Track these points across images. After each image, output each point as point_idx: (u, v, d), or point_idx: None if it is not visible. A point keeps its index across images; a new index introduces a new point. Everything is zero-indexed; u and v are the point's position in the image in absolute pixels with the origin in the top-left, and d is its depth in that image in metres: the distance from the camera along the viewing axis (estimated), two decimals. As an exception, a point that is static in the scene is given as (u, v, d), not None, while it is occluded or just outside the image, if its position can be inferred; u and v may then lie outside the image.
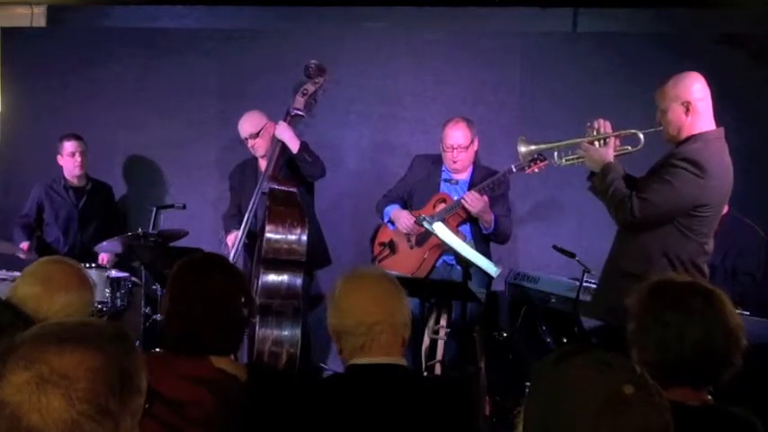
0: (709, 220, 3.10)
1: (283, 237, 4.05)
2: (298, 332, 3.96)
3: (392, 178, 4.77)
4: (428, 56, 5.31)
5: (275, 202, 4.15)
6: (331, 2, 5.44)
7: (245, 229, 4.42)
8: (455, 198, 4.35)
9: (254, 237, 4.47)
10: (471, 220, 4.34)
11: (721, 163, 3.10)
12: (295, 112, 4.49)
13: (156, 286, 4.59)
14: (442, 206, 4.35)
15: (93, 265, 4.68)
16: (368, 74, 5.33)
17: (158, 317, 4.47)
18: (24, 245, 4.80)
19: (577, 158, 3.37)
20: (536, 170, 4.15)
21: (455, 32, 5.38)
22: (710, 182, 3.04)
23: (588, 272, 4.03)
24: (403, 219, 4.39)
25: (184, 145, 5.47)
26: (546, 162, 4.03)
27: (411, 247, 4.43)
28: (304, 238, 4.06)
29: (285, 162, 4.52)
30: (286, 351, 3.91)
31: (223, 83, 5.48)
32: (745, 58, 4.93)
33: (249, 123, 4.62)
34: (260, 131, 4.59)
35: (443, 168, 4.46)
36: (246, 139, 4.62)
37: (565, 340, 3.83)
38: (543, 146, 3.57)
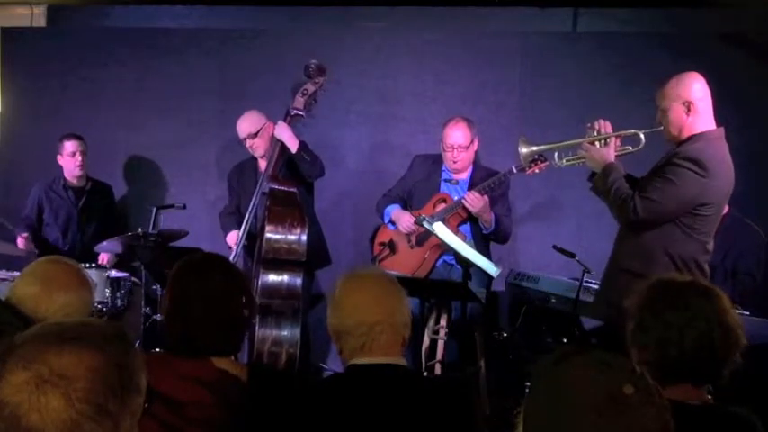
0: (711, 219, 3.12)
1: (283, 237, 4.05)
2: (297, 332, 3.95)
3: (392, 178, 4.77)
4: (428, 56, 5.31)
5: (275, 202, 4.15)
6: (331, 2, 5.44)
7: (245, 229, 4.42)
8: (455, 198, 4.35)
9: (253, 237, 4.47)
10: (471, 220, 4.34)
11: (723, 162, 3.12)
12: (295, 112, 4.48)
13: (156, 286, 4.59)
14: (442, 206, 4.35)
15: (93, 265, 4.68)
16: (368, 74, 5.33)
17: (158, 317, 4.47)
18: (23, 234, 4.78)
19: (578, 159, 3.38)
20: (536, 171, 4.14)
21: (455, 32, 5.38)
22: (713, 181, 3.05)
23: (588, 272, 4.03)
24: (404, 220, 4.39)
25: (184, 145, 5.47)
26: (546, 163, 4.03)
27: (411, 247, 4.43)
28: (304, 237, 4.06)
29: (285, 162, 4.52)
30: (285, 351, 3.91)
31: (223, 83, 5.48)
32: (745, 58, 4.93)
33: (248, 123, 4.62)
34: (259, 131, 4.59)
35: (443, 168, 4.46)
36: (245, 139, 4.62)
37: (565, 340, 3.83)
38: (544, 147, 3.57)
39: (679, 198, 3.05)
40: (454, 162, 4.36)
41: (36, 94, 5.58)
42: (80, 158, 4.99)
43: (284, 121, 4.49)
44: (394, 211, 4.49)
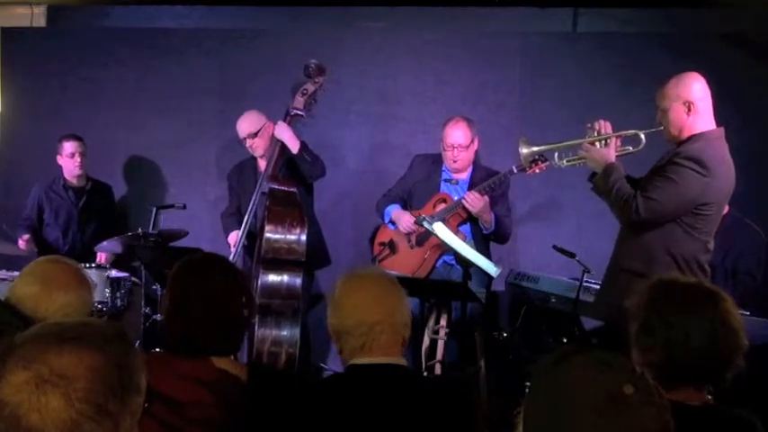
0: (712, 218, 3.13)
1: (283, 237, 4.04)
2: (297, 332, 3.95)
3: (392, 178, 4.77)
4: (428, 56, 5.31)
5: (275, 202, 4.15)
6: (331, 2, 5.44)
7: (245, 229, 4.42)
8: (455, 198, 4.35)
9: (253, 237, 4.47)
10: (471, 220, 4.34)
11: (724, 161, 3.13)
12: (295, 111, 4.48)
13: (156, 286, 4.59)
14: (442, 206, 4.35)
15: (93, 264, 4.68)
16: (368, 74, 5.33)
17: (158, 317, 4.47)
18: (25, 236, 4.79)
19: (578, 159, 3.38)
20: (537, 171, 4.14)
21: (455, 32, 5.38)
22: (714, 180, 3.06)
23: (588, 272, 4.03)
24: (404, 220, 4.39)
25: (184, 145, 5.47)
26: (547, 163, 4.03)
27: (411, 247, 4.43)
28: (303, 237, 4.06)
29: (285, 162, 4.52)
30: (285, 351, 3.91)
31: (223, 83, 5.47)
32: (745, 58, 4.93)
33: (248, 123, 4.62)
34: (259, 131, 4.58)
35: (443, 168, 4.46)
36: (245, 138, 4.62)
37: (565, 340, 3.83)
38: (544, 147, 3.57)
39: (681, 198, 3.06)
40: (454, 162, 4.36)
41: (36, 94, 5.58)
42: (79, 159, 4.99)
43: (284, 120, 4.49)
44: (394, 212, 4.49)
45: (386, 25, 5.49)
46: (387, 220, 4.54)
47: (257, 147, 4.60)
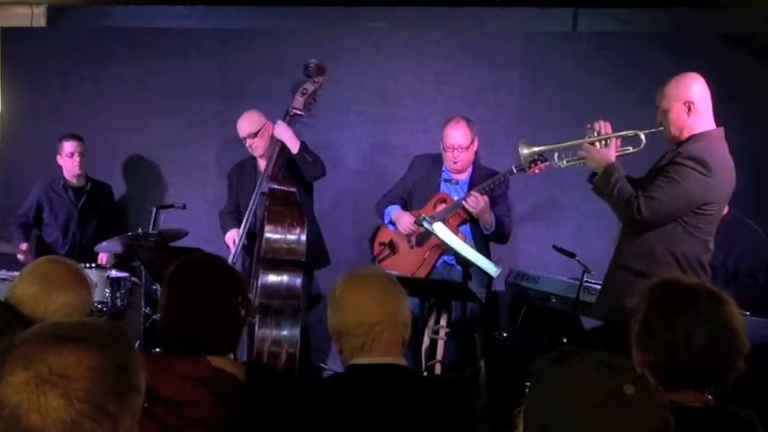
0: (713, 218, 3.14)
1: (283, 237, 4.04)
2: (297, 332, 3.95)
3: (392, 178, 4.77)
4: (428, 56, 5.31)
5: (275, 202, 4.15)
6: (331, 2, 5.44)
7: (244, 228, 4.41)
8: (455, 198, 4.35)
9: (253, 237, 4.47)
10: (472, 220, 4.34)
11: (725, 161, 3.14)
12: (294, 111, 4.48)
13: (156, 286, 4.59)
14: (442, 206, 4.35)
15: (93, 264, 4.68)
16: (368, 74, 5.33)
17: (158, 317, 4.47)
18: (23, 245, 4.80)
19: (578, 159, 3.38)
20: (537, 171, 4.14)
21: (455, 32, 5.37)
22: (716, 180, 3.07)
23: (588, 272, 4.03)
24: (404, 221, 4.39)
25: (184, 145, 5.47)
26: (547, 163, 4.03)
27: (411, 247, 4.43)
28: (303, 237, 4.06)
29: (284, 162, 4.52)
30: (285, 351, 3.91)
31: (223, 83, 5.48)
32: (745, 58, 4.93)
33: (248, 123, 4.62)
34: (259, 131, 4.58)
35: (443, 168, 4.46)
36: (245, 138, 4.62)
37: (565, 340, 3.82)
38: (544, 147, 3.57)
39: (683, 197, 3.06)
40: (454, 162, 4.36)
41: (36, 94, 5.58)
42: (78, 159, 4.99)
43: (284, 120, 4.49)
44: (394, 212, 4.49)
45: (386, 25, 5.49)
46: (387, 221, 4.54)
47: (257, 147, 4.60)
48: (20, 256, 4.73)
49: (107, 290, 4.59)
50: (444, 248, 4.16)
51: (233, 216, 4.71)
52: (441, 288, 4.09)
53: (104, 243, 4.65)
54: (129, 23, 5.69)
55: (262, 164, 4.59)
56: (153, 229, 4.57)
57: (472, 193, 4.23)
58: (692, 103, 3.12)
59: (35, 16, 5.68)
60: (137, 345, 4.41)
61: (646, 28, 5.27)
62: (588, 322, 3.52)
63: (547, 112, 5.06)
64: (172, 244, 4.66)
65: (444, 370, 3.91)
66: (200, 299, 2.06)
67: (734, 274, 4.03)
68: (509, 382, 3.61)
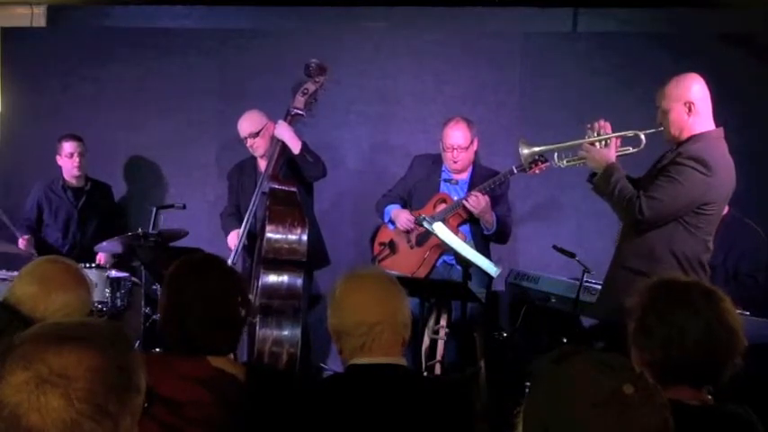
0: (713, 217, 3.15)
1: (284, 236, 4.04)
2: (298, 332, 3.96)
3: (392, 178, 4.77)
4: (428, 56, 5.31)
5: (276, 202, 4.15)
6: (331, 2, 5.44)
7: (245, 229, 4.41)
8: (455, 198, 4.35)
9: (253, 237, 4.46)
10: (472, 220, 4.34)
11: (725, 161, 3.15)
12: (295, 111, 4.48)
13: (156, 286, 4.59)
14: (442, 206, 4.35)
15: (93, 264, 4.68)
16: (368, 74, 5.32)
17: (158, 317, 4.47)
18: (24, 237, 4.79)
19: (578, 159, 3.38)
20: (537, 171, 4.14)
21: (455, 32, 5.37)
22: (716, 180, 3.08)
23: (588, 272, 4.03)
24: (403, 218, 4.39)
25: (184, 145, 5.47)
26: (547, 163, 4.03)
27: (411, 247, 4.43)
28: (304, 237, 4.06)
29: (285, 162, 4.52)
30: (286, 351, 3.91)
31: (223, 83, 5.48)
32: (745, 58, 4.93)
33: (249, 123, 4.62)
34: (260, 131, 4.58)
35: (443, 168, 4.46)
36: (246, 138, 4.62)
37: (565, 340, 3.83)
38: (544, 147, 3.57)
39: (684, 197, 3.07)
40: (454, 162, 4.36)
41: (36, 94, 5.58)
42: (78, 159, 4.99)
43: (285, 120, 4.49)
44: (393, 211, 4.49)
45: (386, 25, 5.49)
46: (386, 220, 4.54)
47: (258, 147, 4.60)
48: (21, 246, 4.73)
49: (107, 290, 4.59)
50: (444, 248, 4.16)
51: (234, 218, 4.70)
52: (441, 288, 4.09)
53: (104, 243, 4.65)
54: (129, 23, 5.69)
55: (262, 164, 4.59)
56: (153, 229, 4.57)
57: (473, 192, 4.23)
58: (693, 104, 3.12)
59: (35, 16, 5.68)
60: (137, 345, 4.41)
61: (646, 28, 5.27)
62: (588, 322, 3.52)
63: (547, 112, 5.06)
64: (172, 244, 4.66)
65: (444, 370, 3.91)
66: (200, 299, 2.07)
67: (734, 274, 4.03)
68: (509, 382, 3.61)
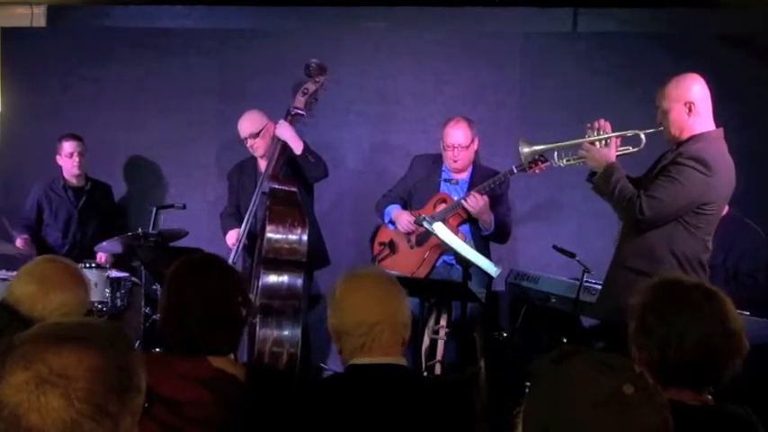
0: (713, 217, 3.16)
1: (284, 237, 4.04)
2: (298, 332, 3.96)
3: (392, 178, 4.77)
4: (428, 56, 5.31)
5: (276, 202, 4.14)
6: (331, 2, 5.44)
7: (245, 229, 4.41)
8: (455, 198, 4.35)
9: (253, 237, 4.46)
10: (472, 220, 4.34)
11: (725, 161, 3.15)
12: (295, 111, 4.47)
13: (156, 286, 4.59)
14: (442, 206, 4.35)
15: (93, 264, 4.67)
16: (368, 74, 5.33)
17: (158, 317, 4.47)
18: (23, 236, 4.79)
19: (579, 159, 3.39)
20: (537, 171, 4.13)
21: (455, 32, 5.37)
22: (717, 180, 3.08)
23: (588, 272, 4.03)
24: (404, 220, 4.39)
25: (184, 145, 5.47)
26: (547, 163, 4.02)
27: (411, 247, 4.43)
28: (305, 237, 4.06)
29: (286, 162, 4.51)
30: (287, 351, 3.91)
31: (223, 83, 5.48)
32: (745, 58, 4.93)
33: (249, 123, 4.61)
34: (260, 131, 4.58)
35: (443, 168, 4.46)
36: (246, 138, 4.61)
37: (565, 340, 3.83)
38: (544, 147, 3.57)
39: (684, 197, 3.08)
40: (454, 162, 4.36)
41: (36, 94, 5.59)
42: (77, 159, 4.99)
43: (285, 120, 4.48)
44: (394, 211, 4.49)
45: (386, 25, 5.49)
46: (387, 220, 4.54)
47: (258, 147, 4.60)
48: (18, 245, 4.72)
49: (107, 290, 4.59)
50: (444, 248, 4.16)
51: (234, 218, 4.70)
52: (441, 288, 4.09)
53: (104, 243, 4.65)
54: (129, 23, 5.69)
55: (262, 164, 4.58)
56: (153, 229, 4.57)
57: (472, 192, 4.23)
58: (693, 104, 3.13)
59: (35, 16, 5.68)
60: (137, 345, 4.41)
61: (646, 28, 5.27)
62: (588, 322, 3.52)
63: (547, 112, 5.06)
64: (172, 244, 4.66)
65: (444, 370, 3.91)
66: (201, 299, 2.07)
67: (734, 274, 4.03)
68: (509, 382, 3.61)
